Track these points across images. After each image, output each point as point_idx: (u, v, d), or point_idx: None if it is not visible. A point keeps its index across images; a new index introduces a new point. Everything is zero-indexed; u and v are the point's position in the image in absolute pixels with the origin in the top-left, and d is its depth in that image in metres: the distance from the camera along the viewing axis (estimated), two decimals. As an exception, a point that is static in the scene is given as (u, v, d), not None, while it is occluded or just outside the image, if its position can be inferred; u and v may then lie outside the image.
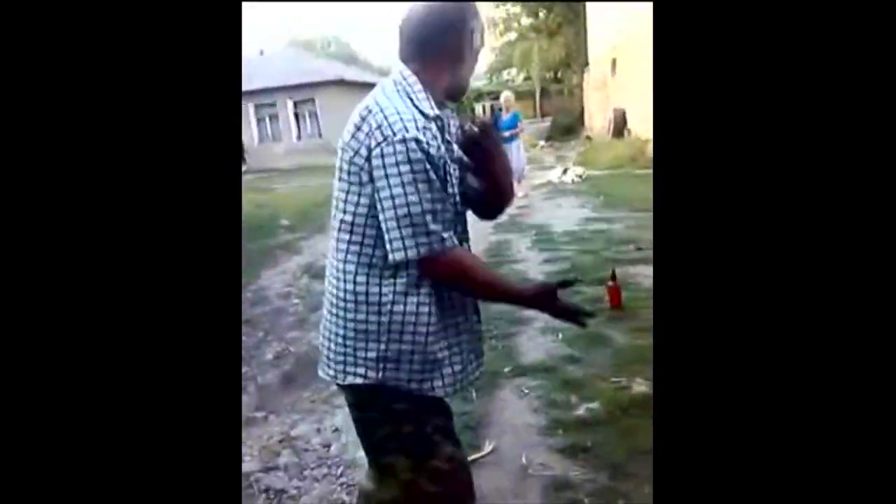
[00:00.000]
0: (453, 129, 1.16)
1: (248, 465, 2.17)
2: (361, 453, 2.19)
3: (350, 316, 1.08)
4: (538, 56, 23.56)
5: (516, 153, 8.01)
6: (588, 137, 15.36)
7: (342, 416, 2.46)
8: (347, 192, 1.05)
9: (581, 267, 4.24)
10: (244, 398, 2.70)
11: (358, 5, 71.04)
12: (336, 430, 2.38)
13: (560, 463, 1.97)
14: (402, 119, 1.00)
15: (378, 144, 0.99)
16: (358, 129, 1.03)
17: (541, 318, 3.34)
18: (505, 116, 8.09)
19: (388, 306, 1.05)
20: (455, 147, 1.12)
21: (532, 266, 4.45)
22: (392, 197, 0.99)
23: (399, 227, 0.99)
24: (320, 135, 18.01)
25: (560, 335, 3.06)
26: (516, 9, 24.43)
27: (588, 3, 16.78)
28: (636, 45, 10.56)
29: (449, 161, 1.06)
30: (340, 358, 1.10)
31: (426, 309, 1.06)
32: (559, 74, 24.86)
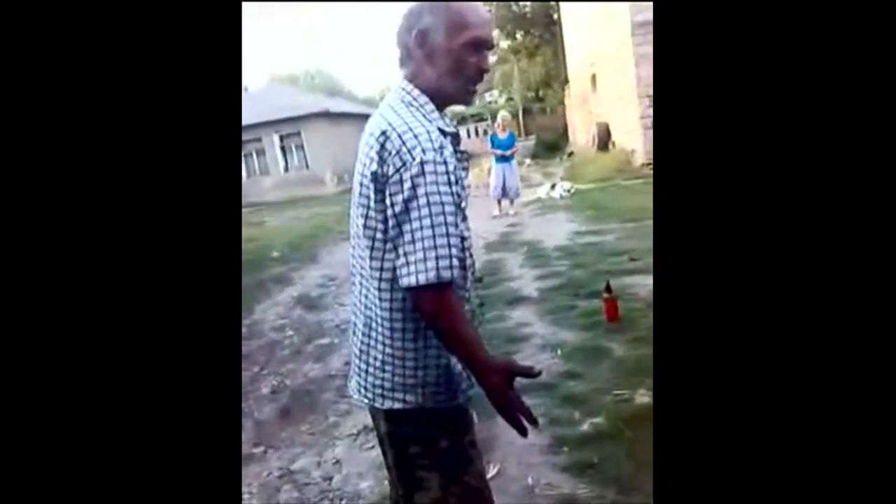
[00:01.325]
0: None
1: (247, 503, 2.11)
2: (364, 484, 2.17)
3: (388, 343, 1.07)
4: (519, 77, 23.98)
5: (512, 172, 8.03)
6: (570, 153, 15.51)
7: (343, 448, 2.41)
8: (375, 220, 1.02)
9: (575, 281, 4.23)
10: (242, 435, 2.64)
11: (340, 37, 72.23)
12: (337, 461, 2.32)
13: (567, 481, 1.93)
14: (418, 140, 0.97)
15: (397, 171, 0.97)
16: (379, 156, 1.00)
17: (538, 336, 3.33)
18: (502, 136, 8.10)
19: (423, 332, 1.05)
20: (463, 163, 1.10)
21: (526, 283, 4.44)
22: (410, 221, 0.96)
23: (415, 252, 0.96)
24: (307, 166, 18.11)
25: (559, 351, 3.03)
26: (494, 32, 24.89)
27: (564, 22, 17.15)
28: (614, 59, 10.76)
29: (462, 180, 1.05)
30: (378, 383, 1.10)
31: None
32: (540, 93, 25.27)
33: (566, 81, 18.12)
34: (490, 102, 28.61)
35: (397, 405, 1.08)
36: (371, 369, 1.10)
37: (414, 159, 0.96)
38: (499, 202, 8.09)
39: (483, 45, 1.07)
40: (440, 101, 1.08)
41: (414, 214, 0.96)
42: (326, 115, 17.94)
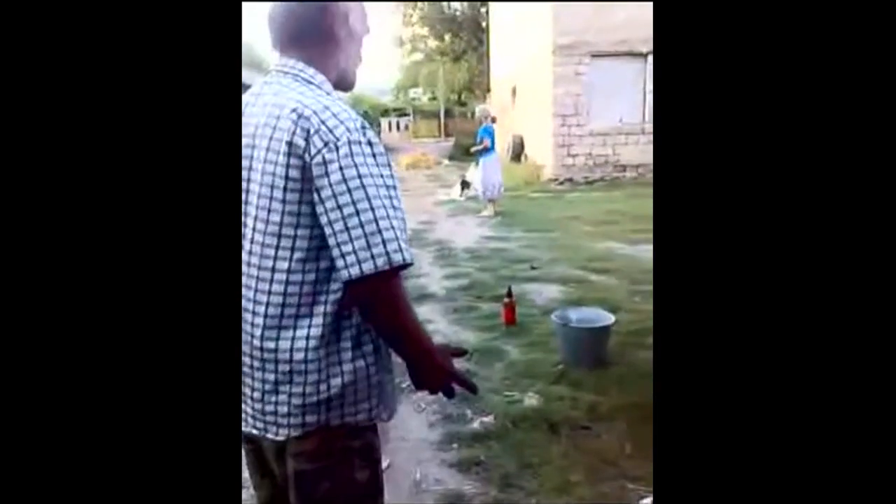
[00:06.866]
0: None
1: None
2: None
3: (282, 357, 0.90)
4: (443, 78, 24.19)
5: (494, 166, 7.50)
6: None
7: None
8: (287, 207, 0.88)
9: (480, 283, 4.35)
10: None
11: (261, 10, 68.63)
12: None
13: (453, 477, 1.99)
14: (339, 119, 0.87)
15: (319, 151, 0.85)
16: (295, 133, 0.87)
17: (440, 333, 3.38)
18: (486, 125, 7.54)
19: (331, 337, 0.90)
20: None
21: (434, 281, 4.51)
22: (343, 206, 0.84)
23: (355, 239, 0.83)
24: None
25: (457, 350, 3.11)
26: (423, 31, 24.99)
27: (491, 31, 17.56)
28: (535, 75, 11.20)
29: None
30: (271, 409, 0.92)
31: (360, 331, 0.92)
32: (463, 97, 25.67)
33: (488, 89, 18.56)
34: (413, 99, 28.61)
35: (296, 432, 0.91)
36: (257, 394, 0.93)
37: (338, 139, 0.85)
38: (490, 201, 7.47)
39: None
40: (340, 88, 1.04)
41: (346, 198, 0.84)
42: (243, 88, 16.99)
